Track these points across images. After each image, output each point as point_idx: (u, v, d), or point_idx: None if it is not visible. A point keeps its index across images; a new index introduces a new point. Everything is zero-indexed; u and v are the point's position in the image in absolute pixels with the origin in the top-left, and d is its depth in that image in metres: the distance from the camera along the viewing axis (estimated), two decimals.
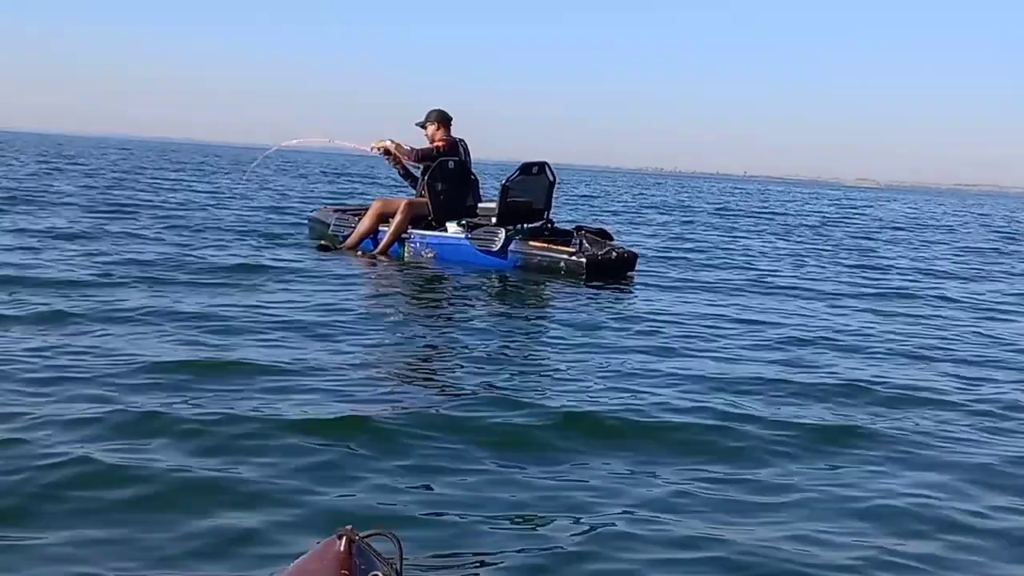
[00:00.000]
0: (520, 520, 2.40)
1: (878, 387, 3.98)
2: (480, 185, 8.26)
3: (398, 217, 7.83)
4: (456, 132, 8.11)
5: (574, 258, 7.12)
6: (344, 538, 1.51)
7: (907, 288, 7.90)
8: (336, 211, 8.86)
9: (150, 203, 12.25)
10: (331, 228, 8.45)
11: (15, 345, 3.78)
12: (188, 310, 4.77)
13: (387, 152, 7.97)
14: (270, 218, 11.06)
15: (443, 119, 8.07)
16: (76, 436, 2.75)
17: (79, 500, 2.33)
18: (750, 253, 10.54)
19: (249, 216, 11.12)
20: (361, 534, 1.54)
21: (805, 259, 10.15)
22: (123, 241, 7.73)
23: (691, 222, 16.14)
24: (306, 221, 9.57)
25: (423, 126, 8.11)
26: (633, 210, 19.34)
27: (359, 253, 7.91)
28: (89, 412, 2.97)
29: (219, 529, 2.24)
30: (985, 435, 3.40)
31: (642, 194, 31.32)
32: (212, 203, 13.08)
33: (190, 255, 6.97)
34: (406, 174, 8.29)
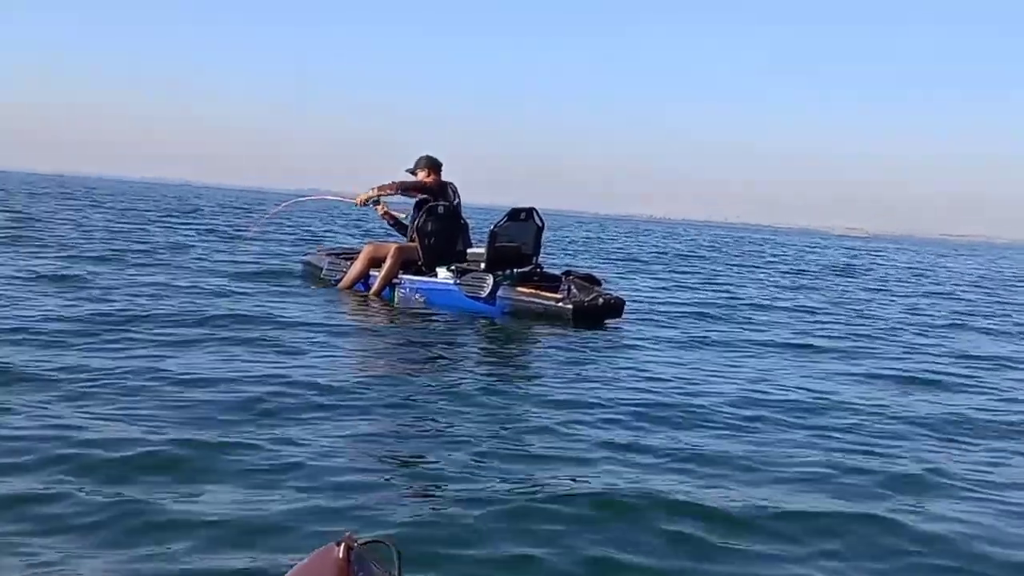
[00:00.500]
0: (519, 539, 2.50)
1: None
2: (470, 229, 8.41)
3: (388, 262, 7.96)
4: (446, 176, 8.30)
5: (560, 304, 7.23)
6: (343, 545, 1.51)
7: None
8: (329, 255, 9.02)
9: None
10: (324, 272, 8.63)
11: None
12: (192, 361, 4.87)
13: (374, 201, 8.14)
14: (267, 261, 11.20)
15: (433, 164, 8.24)
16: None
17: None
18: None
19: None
20: (359, 541, 1.54)
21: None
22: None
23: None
24: (299, 265, 9.71)
25: (413, 172, 8.28)
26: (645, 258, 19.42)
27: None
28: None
29: (218, 536, 2.35)
30: None
31: (660, 243, 31.45)
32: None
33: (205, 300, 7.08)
34: (395, 224, 8.44)
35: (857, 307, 10.70)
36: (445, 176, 8.31)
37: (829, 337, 7.55)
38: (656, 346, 6.38)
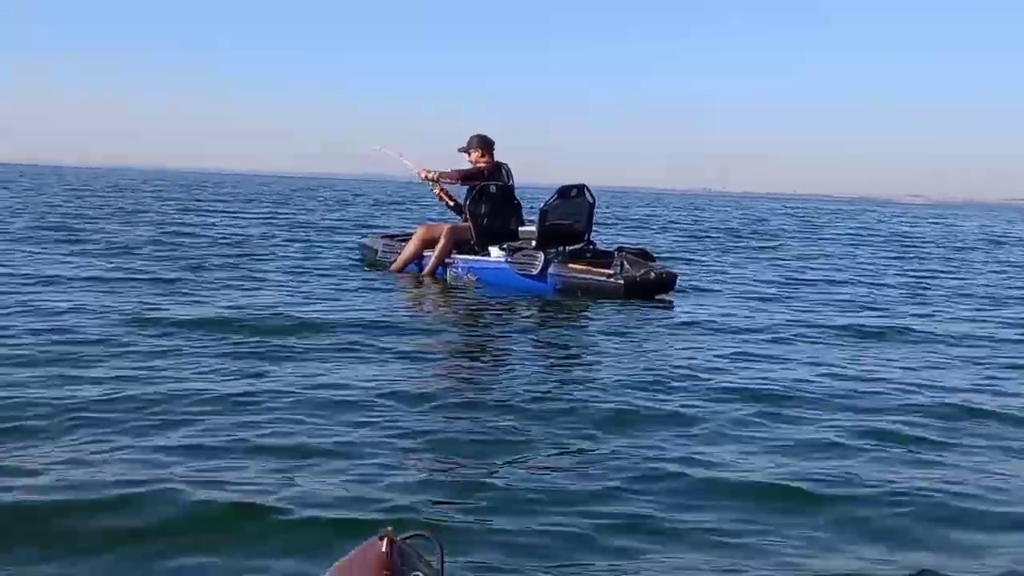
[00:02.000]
0: (563, 533, 2.46)
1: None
2: (524, 209, 8.45)
3: (441, 242, 8.05)
4: (498, 156, 8.34)
5: (612, 280, 7.24)
6: (386, 539, 1.50)
7: None
8: (384, 238, 9.17)
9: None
10: (379, 254, 8.78)
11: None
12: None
13: (432, 180, 8.24)
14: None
15: (485, 144, 8.29)
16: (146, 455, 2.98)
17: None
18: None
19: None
20: (403, 535, 1.54)
21: None
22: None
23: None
24: (356, 247, 9.89)
25: (466, 152, 8.34)
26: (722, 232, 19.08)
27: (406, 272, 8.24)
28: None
29: (263, 531, 2.38)
30: None
31: (707, 217, 31.12)
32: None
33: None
34: (455, 206, 8.52)
35: None
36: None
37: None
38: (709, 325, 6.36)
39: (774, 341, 5.55)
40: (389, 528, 1.53)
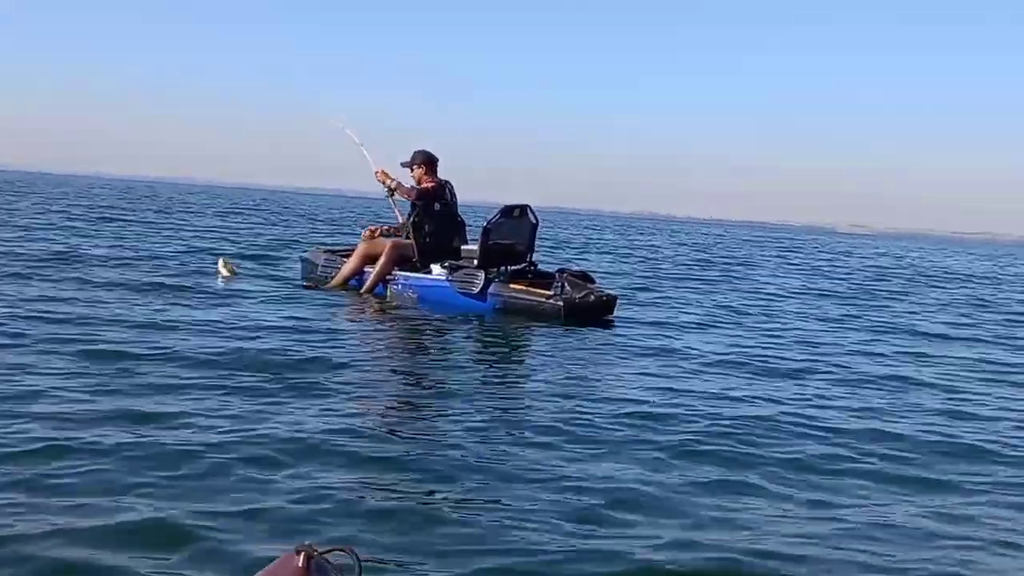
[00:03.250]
0: (479, 551, 2.47)
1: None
2: (467, 227, 8.44)
3: (383, 259, 8.00)
4: (442, 173, 8.30)
5: (552, 301, 7.27)
6: (303, 554, 1.51)
7: None
8: (326, 252, 9.07)
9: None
10: (320, 269, 8.68)
11: None
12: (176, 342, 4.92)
13: (389, 190, 8.15)
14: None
15: (429, 160, 8.23)
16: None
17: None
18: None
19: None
20: (320, 550, 1.53)
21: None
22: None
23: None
24: (298, 261, 9.77)
25: (409, 167, 8.29)
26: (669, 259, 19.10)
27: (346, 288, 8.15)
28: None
29: (177, 540, 2.36)
30: None
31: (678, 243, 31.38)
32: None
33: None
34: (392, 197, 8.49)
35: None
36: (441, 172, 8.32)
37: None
38: (642, 343, 6.42)
39: (697, 369, 5.54)
40: (308, 543, 1.54)
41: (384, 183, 8.17)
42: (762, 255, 23.80)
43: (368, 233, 8.43)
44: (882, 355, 6.63)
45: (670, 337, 6.82)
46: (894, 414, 4.57)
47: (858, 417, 4.43)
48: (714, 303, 9.71)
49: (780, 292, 11.90)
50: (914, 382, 5.56)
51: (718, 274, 14.75)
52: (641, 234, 38.06)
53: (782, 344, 6.88)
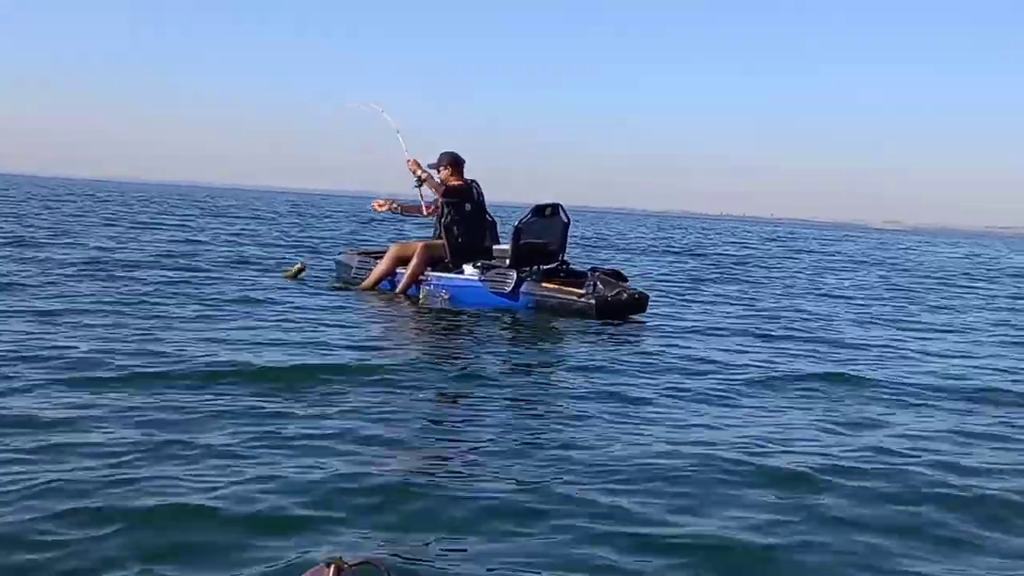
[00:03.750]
0: (513, 564, 2.42)
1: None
2: (498, 226, 8.47)
3: (415, 260, 8.05)
4: (468, 174, 8.31)
5: (584, 299, 7.28)
6: (332, 566, 1.51)
7: None
8: (360, 254, 9.14)
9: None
10: (354, 271, 8.75)
11: None
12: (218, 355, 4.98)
13: (419, 176, 8.14)
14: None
15: (455, 161, 8.25)
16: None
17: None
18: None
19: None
20: (349, 562, 1.53)
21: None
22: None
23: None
24: (332, 263, 9.87)
25: (436, 168, 8.33)
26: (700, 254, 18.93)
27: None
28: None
29: (210, 552, 2.34)
30: None
31: (708, 238, 31.26)
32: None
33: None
34: (406, 209, 8.65)
35: None
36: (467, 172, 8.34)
37: None
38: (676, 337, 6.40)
39: (732, 380, 5.30)
40: (338, 555, 1.54)
41: (415, 172, 8.15)
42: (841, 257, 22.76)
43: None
44: None
45: (701, 342, 6.77)
46: None
47: None
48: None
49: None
50: None
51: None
52: (677, 230, 37.78)
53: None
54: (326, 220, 27.43)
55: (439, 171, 8.27)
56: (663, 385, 4.75)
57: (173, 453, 3.09)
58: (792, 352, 6.14)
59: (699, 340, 6.46)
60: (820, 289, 11.91)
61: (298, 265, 9.12)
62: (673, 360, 5.51)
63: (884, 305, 10.12)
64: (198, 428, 3.41)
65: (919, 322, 8.60)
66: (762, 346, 6.37)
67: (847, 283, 13.34)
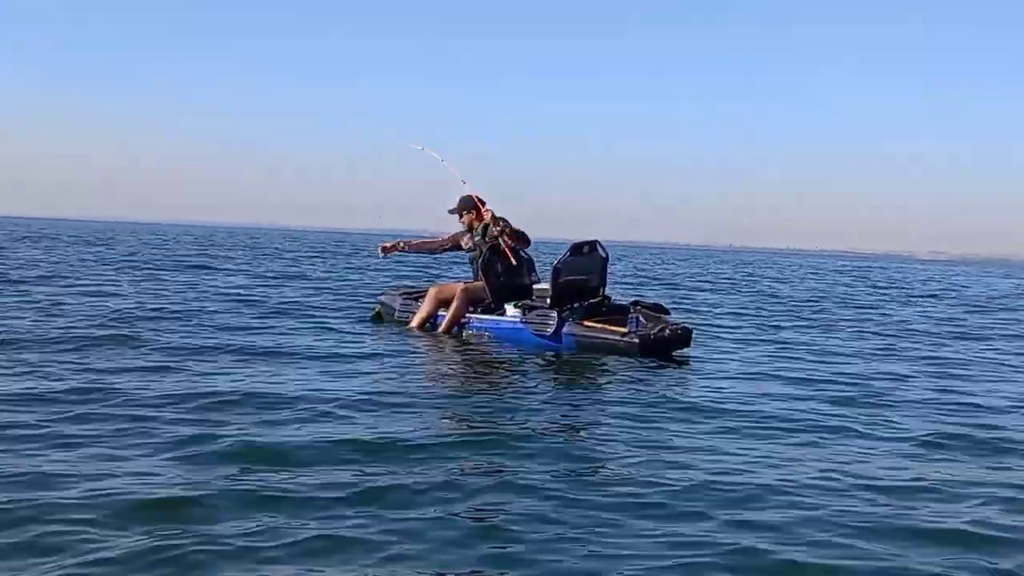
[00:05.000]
0: None
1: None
2: (535, 261, 8.47)
3: (456, 303, 8.04)
4: (497, 210, 8.26)
5: (627, 339, 7.22)
6: None
7: None
8: (403, 295, 9.17)
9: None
10: (397, 312, 8.80)
11: None
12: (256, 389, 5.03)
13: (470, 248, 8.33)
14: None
15: (477, 205, 8.26)
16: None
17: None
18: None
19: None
20: None
21: None
22: None
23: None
24: (375, 304, 9.92)
25: (458, 214, 8.37)
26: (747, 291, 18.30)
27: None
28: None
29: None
30: None
31: (750, 275, 31.03)
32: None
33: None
34: (416, 247, 8.76)
35: None
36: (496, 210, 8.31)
37: None
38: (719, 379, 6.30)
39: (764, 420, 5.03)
40: None
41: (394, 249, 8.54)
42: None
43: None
44: None
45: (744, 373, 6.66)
46: None
47: None
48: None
49: None
50: None
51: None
52: (717, 264, 37.49)
53: None
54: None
55: (461, 216, 8.30)
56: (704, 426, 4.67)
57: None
58: None
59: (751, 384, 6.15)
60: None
61: (377, 309, 9.24)
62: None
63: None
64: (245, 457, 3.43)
65: None
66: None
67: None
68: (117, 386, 4.86)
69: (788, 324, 10.69)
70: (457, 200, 8.37)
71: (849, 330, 10.32)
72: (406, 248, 8.70)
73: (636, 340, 7.16)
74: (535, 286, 8.00)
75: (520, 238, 8.12)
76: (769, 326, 10.32)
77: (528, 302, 7.86)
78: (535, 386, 5.79)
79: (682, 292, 16.73)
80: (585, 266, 7.98)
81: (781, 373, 6.53)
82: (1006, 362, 7.97)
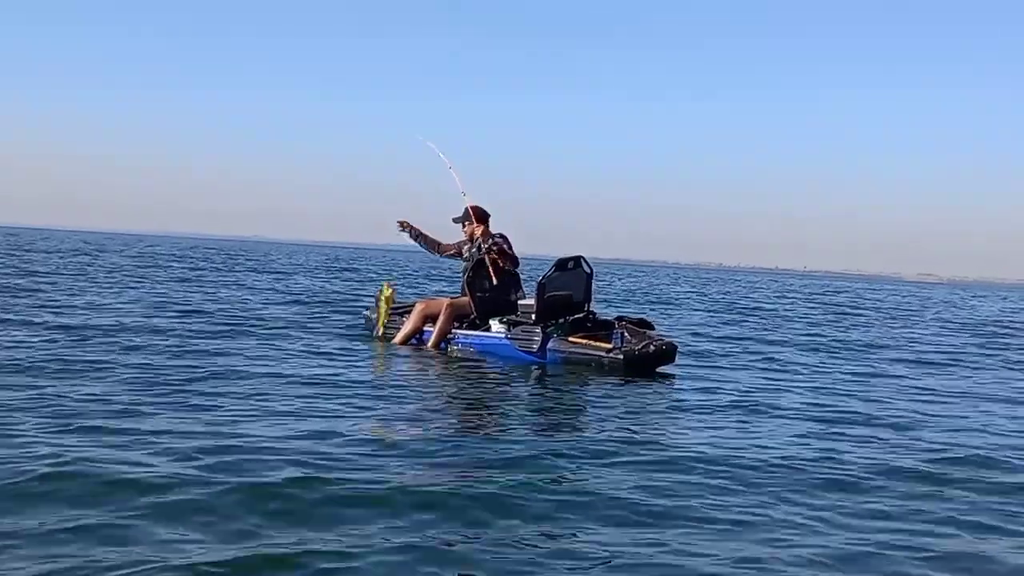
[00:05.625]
0: None
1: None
2: (522, 279, 8.47)
3: (441, 319, 8.05)
4: (496, 227, 8.36)
5: (611, 355, 7.22)
6: None
7: None
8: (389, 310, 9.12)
9: None
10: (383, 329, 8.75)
11: None
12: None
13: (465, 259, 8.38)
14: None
15: (480, 217, 8.32)
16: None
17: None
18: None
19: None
20: None
21: None
22: None
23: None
24: (362, 318, 9.89)
25: (461, 223, 8.40)
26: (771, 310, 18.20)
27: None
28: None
29: None
30: None
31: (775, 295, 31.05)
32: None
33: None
34: (426, 240, 8.71)
35: None
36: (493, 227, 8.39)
37: None
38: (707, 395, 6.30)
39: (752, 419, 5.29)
40: None
41: (406, 230, 8.56)
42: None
43: (401, 225, 8.62)
44: None
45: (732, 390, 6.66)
46: None
47: None
48: None
49: None
50: None
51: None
52: (710, 283, 37.52)
53: None
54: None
55: (464, 226, 8.34)
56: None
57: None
58: None
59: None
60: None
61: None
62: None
63: None
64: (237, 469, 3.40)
65: None
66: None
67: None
68: None
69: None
70: (464, 210, 8.42)
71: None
72: (420, 235, 8.60)
73: (620, 357, 7.16)
74: (520, 302, 8.00)
75: (508, 257, 8.12)
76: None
77: (513, 317, 7.86)
78: (521, 398, 5.80)
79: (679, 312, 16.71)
80: (570, 282, 7.99)
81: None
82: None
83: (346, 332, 9.12)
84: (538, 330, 7.54)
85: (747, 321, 14.47)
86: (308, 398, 5.24)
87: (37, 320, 8.40)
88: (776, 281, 58.80)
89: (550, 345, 7.49)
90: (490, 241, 8.12)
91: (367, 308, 9.90)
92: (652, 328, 7.68)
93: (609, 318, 7.94)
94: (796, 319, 15.71)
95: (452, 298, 8.33)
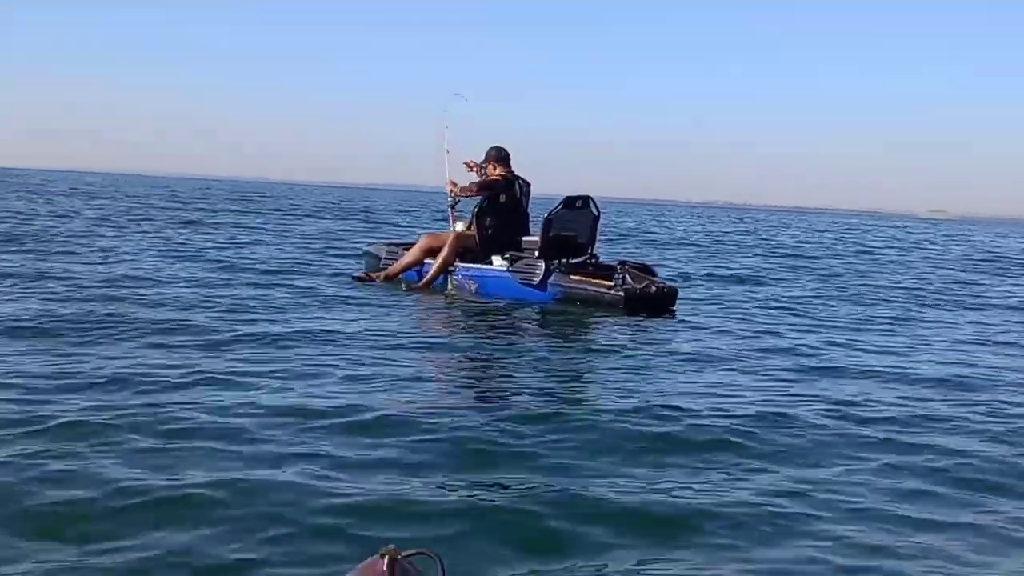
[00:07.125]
0: (557, 546, 2.44)
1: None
2: (530, 220, 8.40)
3: (445, 250, 8.04)
4: (516, 169, 8.27)
5: (612, 292, 7.21)
6: (387, 557, 1.50)
7: None
8: (389, 245, 9.13)
9: None
10: (382, 262, 8.71)
11: None
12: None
13: (456, 195, 8.35)
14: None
15: (500, 158, 8.24)
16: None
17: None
18: None
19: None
20: (404, 553, 1.52)
21: None
22: None
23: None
24: (362, 254, 9.87)
25: (482, 165, 8.31)
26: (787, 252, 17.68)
27: (403, 286, 8.14)
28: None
29: (266, 548, 2.34)
30: None
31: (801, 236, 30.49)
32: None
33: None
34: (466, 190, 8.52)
35: None
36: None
37: None
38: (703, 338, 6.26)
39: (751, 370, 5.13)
40: (391, 546, 1.53)
41: (453, 194, 8.35)
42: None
43: (452, 187, 8.40)
44: None
45: (730, 333, 6.64)
46: None
47: None
48: None
49: None
50: None
51: None
52: (724, 223, 37.05)
53: None
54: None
55: (484, 168, 8.26)
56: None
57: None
58: None
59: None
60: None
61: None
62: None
63: None
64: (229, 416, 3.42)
65: None
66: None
67: None
68: None
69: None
70: (486, 151, 8.34)
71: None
72: (463, 190, 8.34)
73: (621, 294, 7.16)
74: (524, 238, 7.96)
75: (501, 177, 8.06)
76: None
77: (515, 253, 7.84)
78: (518, 336, 5.79)
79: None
80: (575, 222, 7.91)
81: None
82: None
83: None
84: (541, 263, 7.53)
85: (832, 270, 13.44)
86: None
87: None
88: (805, 220, 57.39)
89: (551, 280, 7.46)
90: (499, 171, 8.08)
91: (368, 244, 9.84)
92: (654, 274, 7.65)
93: (611, 262, 7.91)
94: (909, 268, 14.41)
95: (458, 232, 8.28)
